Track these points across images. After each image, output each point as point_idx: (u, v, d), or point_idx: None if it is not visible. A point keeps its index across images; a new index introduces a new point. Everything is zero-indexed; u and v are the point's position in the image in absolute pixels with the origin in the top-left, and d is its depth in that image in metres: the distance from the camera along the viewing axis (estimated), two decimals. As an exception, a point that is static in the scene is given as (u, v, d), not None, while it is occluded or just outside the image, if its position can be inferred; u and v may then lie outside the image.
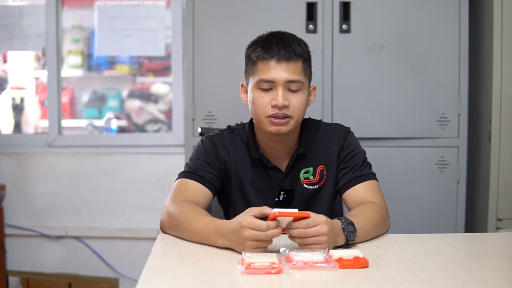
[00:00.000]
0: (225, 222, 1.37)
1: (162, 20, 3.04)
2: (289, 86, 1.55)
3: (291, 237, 1.30)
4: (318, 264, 1.19)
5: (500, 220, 2.42)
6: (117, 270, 3.00)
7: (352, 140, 1.69)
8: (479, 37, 2.54)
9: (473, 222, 2.57)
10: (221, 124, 2.34)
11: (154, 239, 1.47)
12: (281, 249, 1.28)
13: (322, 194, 1.68)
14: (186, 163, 1.66)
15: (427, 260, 1.28)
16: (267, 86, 1.55)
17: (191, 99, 2.50)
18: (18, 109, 3.26)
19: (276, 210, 1.27)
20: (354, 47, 2.45)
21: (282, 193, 1.65)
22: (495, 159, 2.42)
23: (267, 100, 1.56)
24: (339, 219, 1.38)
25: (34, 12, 3.07)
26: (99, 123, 3.31)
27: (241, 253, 1.25)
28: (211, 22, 2.48)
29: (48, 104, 3.08)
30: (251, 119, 1.68)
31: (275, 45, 1.55)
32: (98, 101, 3.31)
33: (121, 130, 3.28)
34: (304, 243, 1.29)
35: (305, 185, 1.67)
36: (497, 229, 2.41)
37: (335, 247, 1.31)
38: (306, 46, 1.61)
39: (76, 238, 3.02)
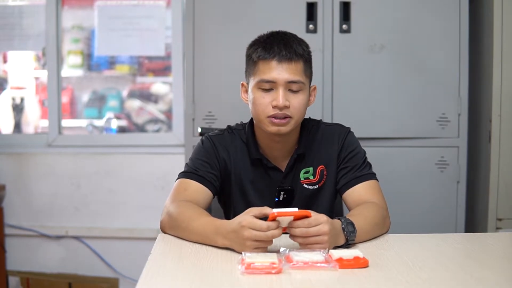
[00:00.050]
0: (225, 222, 1.37)
1: (162, 20, 3.04)
2: (290, 87, 1.55)
3: (292, 236, 1.30)
4: (318, 264, 1.19)
5: (500, 220, 2.42)
6: (117, 270, 3.00)
7: (352, 140, 1.69)
8: (479, 37, 2.54)
9: (473, 222, 2.57)
10: (221, 124, 2.34)
11: (154, 239, 1.47)
12: (281, 249, 1.28)
13: (322, 194, 1.68)
14: (186, 163, 1.66)
15: (427, 260, 1.28)
16: (268, 86, 1.55)
17: (191, 99, 2.50)
18: (18, 109, 3.26)
19: (275, 210, 1.27)
20: (354, 47, 2.45)
21: (282, 193, 1.65)
22: (495, 159, 2.42)
23: (267, 100, 1.55)
24: (338, 219, 1.38)
25: (34, 12, 3.07)
26: (99, 123, 3.31)
27: (241, 253, 1.25)
28: (211, 22, 2.48)
29: (48, 104, 3.08)
30: (251, 119, 1.68)
31: (276, 45, 1.55)
32: (98, 101, 3.31)
33: (121, 130, 3.28)
34: (305, 243, 1.29)
35: (305, 185, 1.67)
36: (497, 229, 2.41)
37: (335, 247, 1.32)
38: (307, 46, 1.61)
39: (76, 238, 3.02)
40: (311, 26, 2.44)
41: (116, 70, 3.28)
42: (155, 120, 3.29)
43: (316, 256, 1.22)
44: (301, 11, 2.43)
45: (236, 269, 1.19)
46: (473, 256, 1.35)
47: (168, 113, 3.21)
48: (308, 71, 1.59)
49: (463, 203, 2.47)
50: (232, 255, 1.30)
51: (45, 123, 3.18)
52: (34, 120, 3.31)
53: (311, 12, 2.44)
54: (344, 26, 2.44)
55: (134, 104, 3.31)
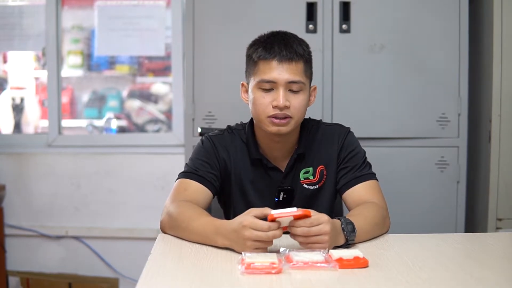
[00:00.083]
0: (225, 222, 1.37)
1: (162, 20, 3.04)
2: (290, 87, 1.55)
3: (293, 235, 1.30)
4: (318, 264, 1.19)
5: (500, 220, 2.42)
6: (117, 270, 3.00)
7: (352, 140, 1.69)
8: (479, 37, 2.54)
9: (473, 222, 2.57)
10: (221, 124, 2.34)
11: (154, 239, 1.47)
12: (281, 249, 1.28)
13: (322, 194, 1.68)
14: (186, 163, 1.66)
15: (427, 260, 1.28)
16: (268, 86, 1.55)
17: (191, 99, 2.50)
18: (18, 109, 3.26)
19: (274, 212, 1.27)
20: (354, 47, 2.45)
21: (282, 193, 1.65)
22: (495, 159, 2.42)
23: (268, 101, 1.55)
24: (338, 219, 1.38)
25: (34, 12, 3.07)
26: (99, 123, 3.31)
27: (241, 253, 1.25)
28: (211, 22, 2.48)
29: (48, 104, 3.08)
30: (251, 119, 1.68)
31: (277, 45, 1.55)
32: (98, 101, 3.31)
33: (121, 130, 3.28)
34: (306, 242, 1.29)
35: (305, 185, 1.67)
36: (497, 229, 2.41)
37: (335, 247, 1.32)
38: (307, 46, 1.61)
39: (76, 238, 3.02)
40: (311, 26, 2.44)
41: (116, 70, 3.28)
42: (155, 120, 3.29)
43: (316, 256, 1.22)
44: (301, 11, 2.43)
45: (236, 269, 1.19)
46: (473, 256, 1.35)
47: (168, 113, 3.21)
48: (308, 71, 1.59)
49: (463, 203, 2.47)
50: (232, 255, 1.30)
51: (45, 123, 3.18)
52: (34, 120, 3.31)
53: (311, 12, 2.44)
54: (344, 26, 2.44)
55: (134, 104, 3.31)
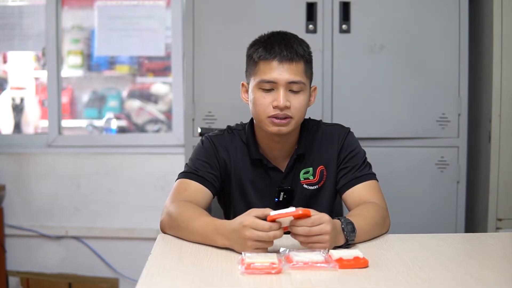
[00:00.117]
0: (225, 222, 1.37)
1: (162, 20, 3.04)
2: (291, 87, 1.55)
3: (293, 234, 1.30)
4: (318, 264, 1.19)
5: (500, 220, 2.42)
6: (117, 270, 3.00)
7: (352, 140, 1.69)
8: (479, 37, 2.54)
9: (473, 222, 2.58)
10: (221, 124, 2.34)
11: (154, 239, 1.47)
12: (281, 249, 1.28)
13: (322, 194, 1.68)
14: (186, 164, 1.66)
15: (427, 260, 1.28)
16: (269, 86, 1.55)
17: (191, 99, 2.50)
18: (18, 109, 3.26)
19: (273, 213, 1.27)
20: (354, 47, 2.45)
21: (282, 193, 1.65)
22: (495, 159, 2.42)
23: (268, 101, 1.55)
24: (338, 219, 1.38)
25: (34, 12, 3.07)
26: (99, 123, 3.31)
27: (241, 253, 1.25)
28: (211, 22, 2.48)
29: (48, 104, 3.08)
30: (251, 119, 1.68)
31: (277, 45, 1.55)
32: (98, 101, 3.31)
33: (121, 130, 3.28)
34: (307, 242, 1.29)
35: (305, 186, 1.67)
36: (497, 229, 2.41)
37: (335, 247, 1.32)
38: (307, 46, 1.61)
39: (76, 238, 3.02)
40: (311, 26, 2.44)
41: (116, 70, 3.28)
42: (155, 120, 3.29)
43: (316, 256, 1.22)
44: (301, 11, 2.43)
45: (236, 269, 1.19)
46: (473, 256, 1.35)
47: (168, 113, 3.21)
48: (308, 71, 1.59)
49: (463, 203, 2.47)
50: (232, 255, 1.30)
51: (45, 123, 3.18)
52: (34, 120, 3.31)
53: (311, 12, 2.44)
54: (344, 26, 2.44)
55: (134, 104, 3.31)
